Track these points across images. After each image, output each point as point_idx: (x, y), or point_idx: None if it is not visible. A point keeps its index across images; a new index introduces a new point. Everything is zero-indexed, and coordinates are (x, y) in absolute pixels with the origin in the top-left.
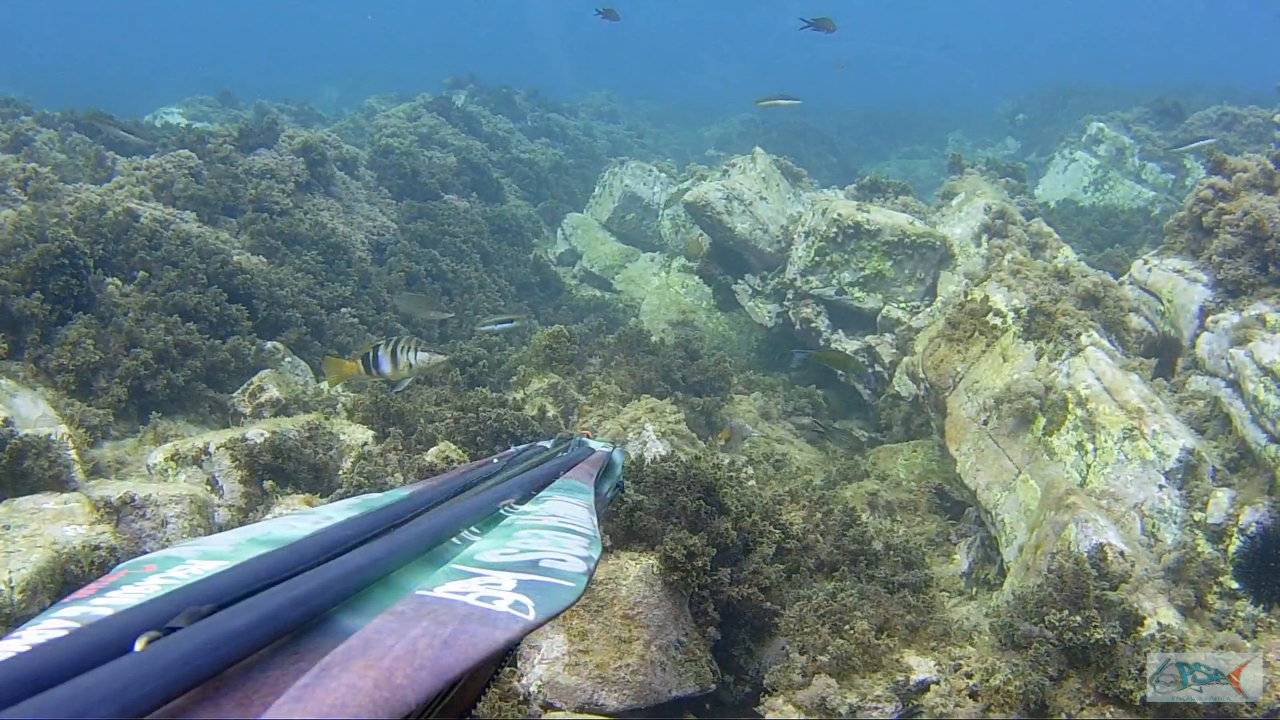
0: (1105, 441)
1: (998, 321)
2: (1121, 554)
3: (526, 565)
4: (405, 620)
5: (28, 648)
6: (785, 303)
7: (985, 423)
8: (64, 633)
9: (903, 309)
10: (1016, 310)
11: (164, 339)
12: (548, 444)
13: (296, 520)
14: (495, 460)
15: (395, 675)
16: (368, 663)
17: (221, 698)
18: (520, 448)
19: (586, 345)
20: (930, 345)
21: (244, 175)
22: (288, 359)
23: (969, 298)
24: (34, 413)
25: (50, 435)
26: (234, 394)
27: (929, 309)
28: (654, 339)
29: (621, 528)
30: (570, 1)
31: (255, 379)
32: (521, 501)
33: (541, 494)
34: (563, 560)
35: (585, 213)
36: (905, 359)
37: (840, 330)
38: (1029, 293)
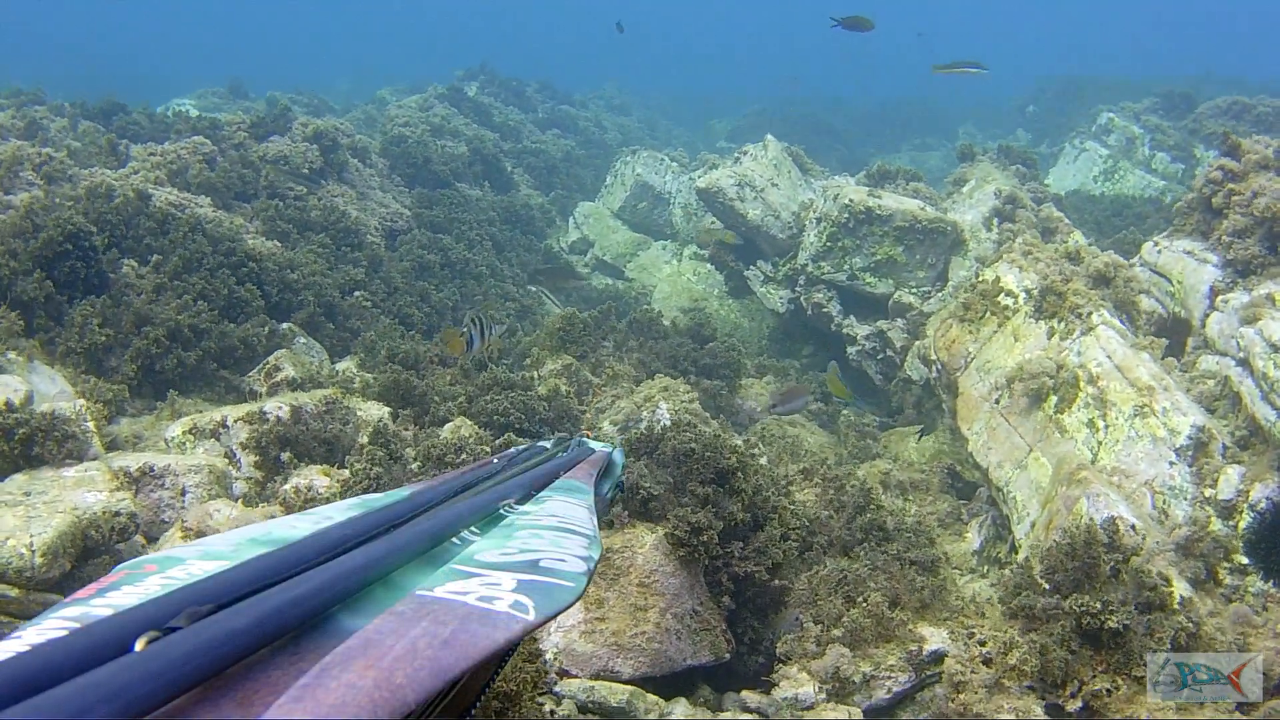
0: (1116, 419)
1: (1009, 302)
2: (1133, 527)
3: (526, 565)
4: (405, 620)
5: (28, 648)
6: (797, 288)
7: (997, 401)
8: (64, 633)
9: (914, 294)
10: (1028, 290)
11: (175, 318)
12: (547, 444)
13: (296, 520)
14: (495, 461)
15: (395, 675)
16: (368, 662)
17: (221, 698)
18: (520, 448)
19: (599, 329)
20: (942, 326)
21: (258, 162)
22: (301, 339)
23: (980, 278)
24: (52, 388)
25: (55, 411)
26: (250, 373)
27: (940, 294)
28: (665, 323)
29: (638, 505)
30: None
31: (271, 358)
32: (521, 502)
33: (541, 494)
34: (562, 560)
35: (597, 202)
36: (917, 343)
37: (852, 315)
38: (1040, 273)
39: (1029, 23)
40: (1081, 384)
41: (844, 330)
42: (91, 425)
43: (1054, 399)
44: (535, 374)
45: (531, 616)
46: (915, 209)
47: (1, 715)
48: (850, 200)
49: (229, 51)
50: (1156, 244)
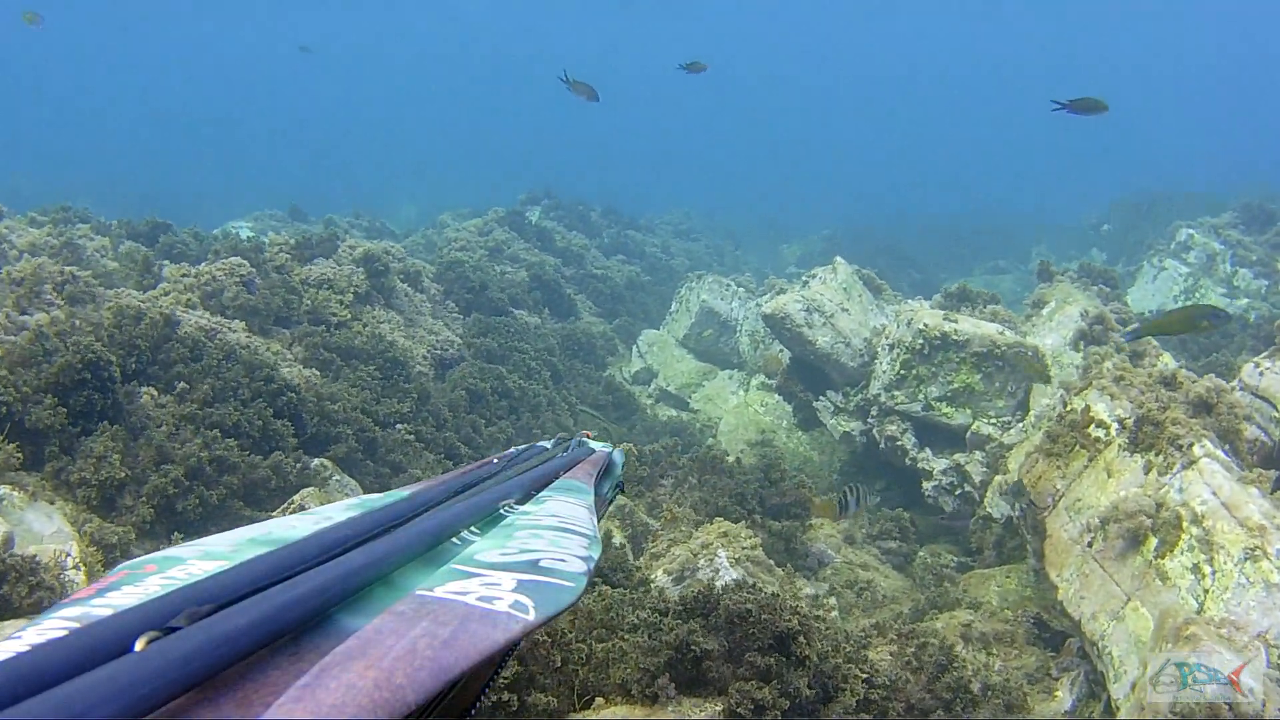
0: (1225, 563)
1: (1100, 433)
2: (1250, 691)
3: (526, 565)
4: (405, 620)
5: (28, 648)
6: (869, 420)
7: (1089, 545)
8: (64, 633)
9: (993, 424)
10: (1121, 420)
11: (199, 455)
12: (548, 444)
13: (296, 520)
14: (495, 460)
15: (395, 675)
16: (367, 663)
17: (221, 698)
18: (520, 448)
19: (659, 466)
20: (1027, 461)
21: (300, 285)
22: (335, 477)
23: (1068, 408)
24: (47, 528)
25: (36, 558)
26: (272, 514)
27: (1021, 424)
28: (730, 459)
29: (687, 675)
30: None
31: (296, 497)
32: (521, 501)
33: (541, 494)
34: (563, 560)
35: (661, 329)
36: (997, 478)
37: (927, 448)
38: (1134, 401)
39: (1100, 142)
40: (1184, 524)
41: (919, 464)
42: (82, 578)
43: (1154, 542)
44: None
45: (532, 616)
46: (993, 333)
47: (1, 715)
48: (925, 325)
49: (296, 176)
50: (1258, 365)
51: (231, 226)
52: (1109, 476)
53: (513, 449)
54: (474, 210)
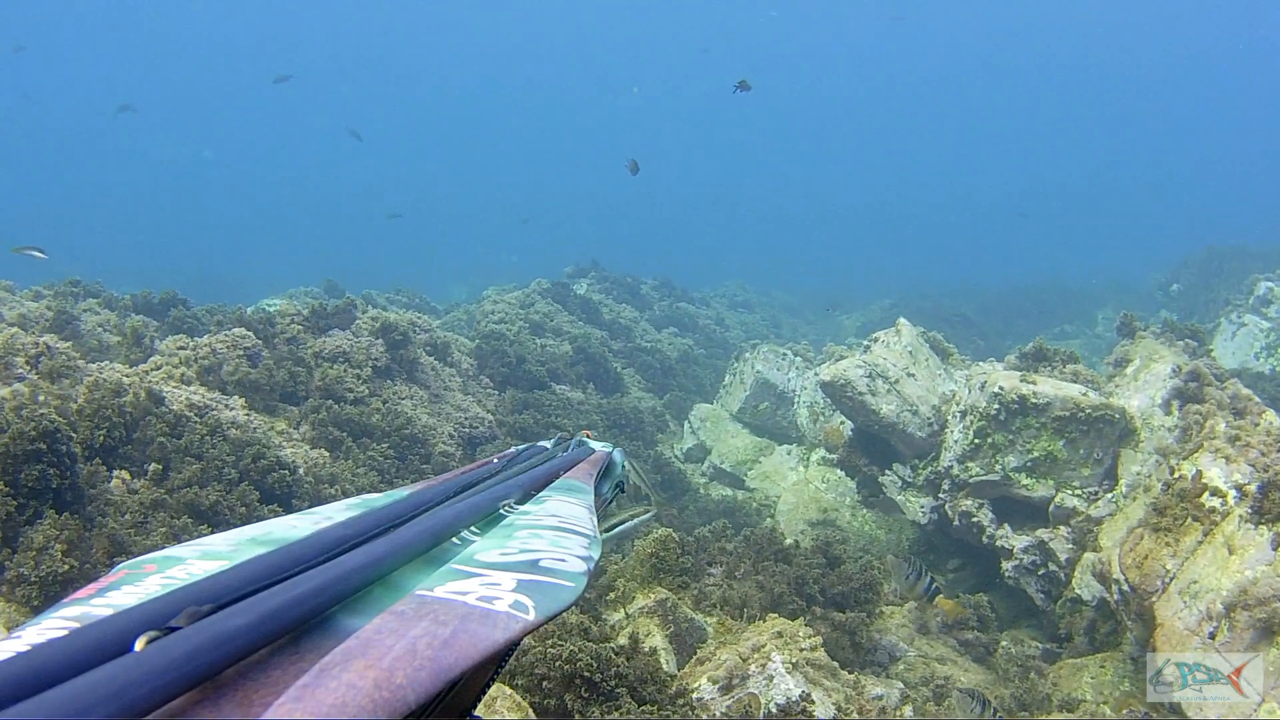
0: None
1: (1216, 503)
2: None
3: (526, 565)
4: (405, 620)
5: (28, 648)
6: (941, 495)
7: (1211, 636)
8: (64, 633)
9: (1079, 496)
10: (1240, 487)
11: (161, 547)
12: (548, 444)
13: (296, 520)
14: (495, 460)
15: (395, 675)
16: (368, 662)
17: (221, 698)
18: (520, 447)
19: (706, 551)
20: (1130, 538)
21: (312, 358)
22: None
23: (1176, 474)
24: None
25: None
26: None
27: (1109, 495)
28: (788, 542)
29: None
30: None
31: None
32: (521, 501)
33: (541, 494)
34: (563, 560)
35: (715, 404)
36: (1088, 555)
37: (1006, 525)
38: (1254, 464)
39: (1165, 200)
40: None
41: (997, 542)
42: None
43: None
44: (621, 613)
45: (532, 616)
46: (1076, 395)
47: (1, 715)
48: (1000, 388)
49: (344, 258)
50: None
51: (265, 304)
52: (1230, 553)
53: (512, 449)
54: (520, 285)
